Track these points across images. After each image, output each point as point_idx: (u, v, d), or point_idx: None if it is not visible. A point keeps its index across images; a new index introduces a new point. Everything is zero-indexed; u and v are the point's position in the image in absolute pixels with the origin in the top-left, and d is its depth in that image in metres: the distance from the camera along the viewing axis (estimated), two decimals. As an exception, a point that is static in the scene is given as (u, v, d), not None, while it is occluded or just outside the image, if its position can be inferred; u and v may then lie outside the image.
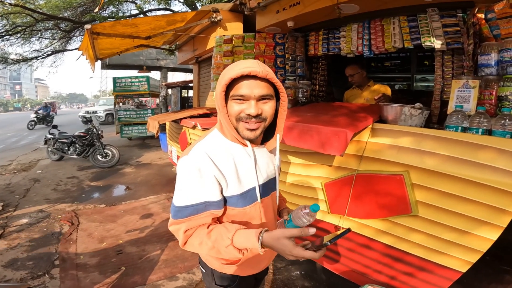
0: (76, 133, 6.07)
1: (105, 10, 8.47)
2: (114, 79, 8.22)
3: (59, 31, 9.07)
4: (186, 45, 5.56)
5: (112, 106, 14.04)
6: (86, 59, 3.63)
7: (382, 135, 1.67)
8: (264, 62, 3.35)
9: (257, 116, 0.83)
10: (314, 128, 1.78)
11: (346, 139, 1.58)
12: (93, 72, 4.39)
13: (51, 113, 15.92)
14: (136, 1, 9.12)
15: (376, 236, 1.74)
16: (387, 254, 1.69)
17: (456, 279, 1.44)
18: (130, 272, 2.45)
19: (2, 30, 8.48)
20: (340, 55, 2.91)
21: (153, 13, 8.81)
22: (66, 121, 18.81)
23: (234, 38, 3.48)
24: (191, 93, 8.50)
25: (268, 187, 0.99)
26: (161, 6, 8.39)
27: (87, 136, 5.96)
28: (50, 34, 9.52)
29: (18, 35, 8.74)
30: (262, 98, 0.84)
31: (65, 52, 10.71)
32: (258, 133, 0.87)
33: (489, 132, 1.37)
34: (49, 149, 6.43)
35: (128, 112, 8.17)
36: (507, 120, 1.34)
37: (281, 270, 2.47)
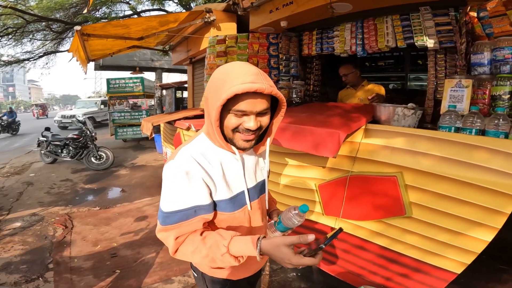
0: (69, 136, 6.01)
1: (98, 11, 8.38)
2: (108, 80, 8.11)
3: (51, 32, 8.95)
4: (180, 45, 5.52)
5: (93, 109, 13.24)
6: (77, 60, 3.57)
7: (375, 135, 1.65)
8: (257, 63, 3.34)
9: (256, 129, 0.82)
10: (307, 129, 1.75)
11: (339, 141, 1.55)
12: (85, 73, 4.34)
13: (16, 119, 13.44)
14: (130, 2, 9.05)
15: (371, 237, 1.73)
16: (382, 255, 1.68)
17: (452, 280, 1.42)
18: (125, 275, 2.43)
19: (-7, 32, 8.37)
20: (334, 55, 2.89)
21: (147, 14, 8.75)
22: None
23: (227, 39, 3.45)
24: (185, 94, 8.43)
25: (257, 190, 0.98)
26: (155, 7, 8.32)
27: (81, 139, 5.90)
28: (42, 35, 9.41)
29: (10, 36, 8.62)
30: (262, 112, 0.81)
31: (57, 54, 10.61)
32: (253, 143, 0.86)
33: (482, 132, 1.36)
34: (42, 151, 6.35)
35: (122, 114, 8.08)
36: (500, 120, 1.32)
37: (277, 271, 2.45)
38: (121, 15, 8.92)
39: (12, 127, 13.09)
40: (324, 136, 1.62)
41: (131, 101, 8.17)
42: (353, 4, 2.42)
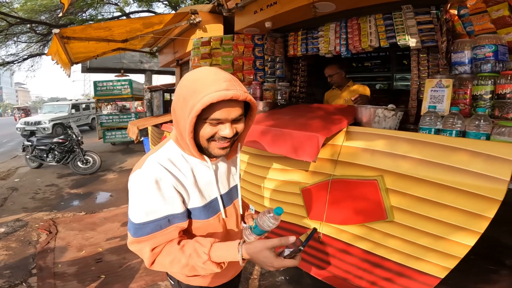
0: (55, 140, 5.87)
1: (84, 12, 8.23)
2: (95, 83, 7.94)
3: (35, 34, 8.77)
4: (167, 47, 5.44)
5: (62, 114, 11.77)
6: (57, 63, 3.46)
7: (357, 138, 1.60)
8: (243, 64, 3.28)
9: (232, 136, 0.80)
10: (287, 132, 1.70)
11: (318, 144, 1.50)
12: (69, 77, 4.23)
13: None
14: (118, 3, 8.92)
15: (354, 241, 1.69)
16: (366, 259, 1.65)
17: (435, 285, 1.39)
18: (110, 280, 2.40)
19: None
20: (321, 56, 2.85)
21: (136, 15, 8.64)
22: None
23: (212, 40, 3.39)
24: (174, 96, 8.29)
25: (230, 196, 0.98)
26: (143, 8, 8.22)
27: (66, 143, 5.77)
28: (27, 38, 9.21)
29: (-7, 38, 8.41)
30: (237, 119, 0.80)
31: (43, 56, 10.37)
32: (229, 150, 0.85)
33: (463, 134, 1.32)
34: (28, 156, 6.22)
35: (110, 117, 7.90)
36: (481, 120, 1.28)
37: (265, 276, 2.43)
38: (109, 16, 8.80)
39: None
40: (303, 140, 1.57)
41: (123, 103, 8.04)
42: (336, 3, 2.38)
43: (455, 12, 1.59)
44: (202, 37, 3.47)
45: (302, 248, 0.76)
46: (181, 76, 5.69)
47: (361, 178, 1.53)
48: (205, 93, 0.71)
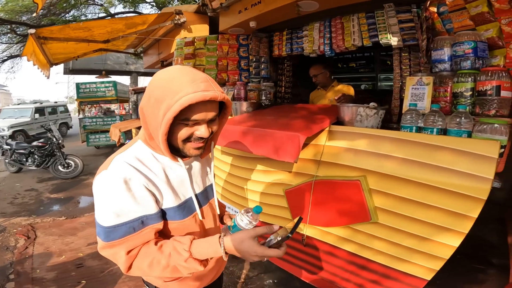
0: (34, 143, 5.68)
1: (68, 13, 8.02)
2: (78, 85, 7.69)
3: (16, 35, 8.49)
4: (152, 48, 5.33)
5: (24, 120, 10.36)
6: (34, 64, 3.33)
7: (339, 137, 1.57)
8: (227, 65, 3.22)
9: (208, 137, 0.79)
10: (269, 133, 1.65)
11: (299, 144, 1.45)
12: (48, 78, 4.09)
13: None
14: (103, 4, 8.73)
15: (339, 243, 1.66)
16: (352, 261, 1.62)
17: (423, 287, 1.36)
18: (91, 286, 2.37)
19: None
20: (306, 56, 2.83)
21: (123, 16, 8.47)
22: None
23: (196, 40, 3.32)
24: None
25: (206, 195, 0.96)
26: (128, 9, 8.07)
27: (46, 146, 5.58)
28: (7, 39, 8.91)
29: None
30: (213, 119, 0.78)
31: (23, 57, 10.03)
32: (203, 149, 0.84)
33: (444, 132, 1.29)
34: (7, 160, 6.01)
35: (94, 120, 7.67)
36: (462, 118, 1.26)
37: (253, 279, 2.41)
38: (95, 17, 8.61)
39: None
40: (284, 140, 1.52)
41: (107, 106, 7.81)
42: (320, 2, 2.35)
43: (435, 9, 1.58)
44: (185, 37, 3.40)
45: (290, 235, 0.74)
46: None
47: (344, 179, 1.49)
48: (183, 94, 0.69)
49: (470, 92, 1.35)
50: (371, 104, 1.49)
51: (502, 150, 1.18)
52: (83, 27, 3.35)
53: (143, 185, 0.76)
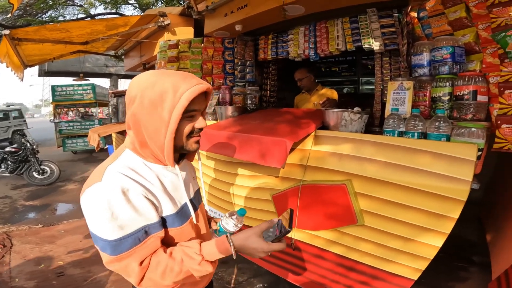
0: (7, 149, 5.40)
1: (45, 14, 7.71)
2: (53, 87, 7.36)
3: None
4: (133, 50, 5.20)
5: None
6: (7, 66, 3.17)
7: (324, 142, 1.58)
8: (212, 68, 3.20)
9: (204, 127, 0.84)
10: (255, 138, 1.64)
11: (286, 150, 1.45)
12: (21, 80, 3.90)
13: None
14: (83, 5, 8.46)
15: (327, 246, 1.67)
16: (340, 263, 1.64)
17: (410, 287, 1.39)
18: None
19: None
20: (291, 60, 2.85)
21: (103, 18, 8.23)
22: None
23: (180, 43, 3.27)
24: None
25: (197, 200, 0.98)
26: (109, 10, 7.86)
27: (20, 152, 5.33)
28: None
29: None
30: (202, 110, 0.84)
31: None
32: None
33: (424, 136, 1.33)
34: None
35: (71, 124, 7.36)
36: (441, 122, 1.30)
37: (243, 284, 2.40)
38: (74, 18, 8.32)
39: None
40: (270, 145, 1.52)
41: (86, 109, 7.53)
42: (305, 6, 2.38)
43: (415, 14, 1.62)
44: (169, 40, 3.34)
45: (290, 230, 0.77)
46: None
47: (330, 183, 1.51)
48: (183, 90, 0.73)
49: (448, 97, 1.40)
50: (355, 109, 1.51)
51: (480, 153, 1.22)
52: (60, 28, 3.22)
53: (142, 195, 0.75)
